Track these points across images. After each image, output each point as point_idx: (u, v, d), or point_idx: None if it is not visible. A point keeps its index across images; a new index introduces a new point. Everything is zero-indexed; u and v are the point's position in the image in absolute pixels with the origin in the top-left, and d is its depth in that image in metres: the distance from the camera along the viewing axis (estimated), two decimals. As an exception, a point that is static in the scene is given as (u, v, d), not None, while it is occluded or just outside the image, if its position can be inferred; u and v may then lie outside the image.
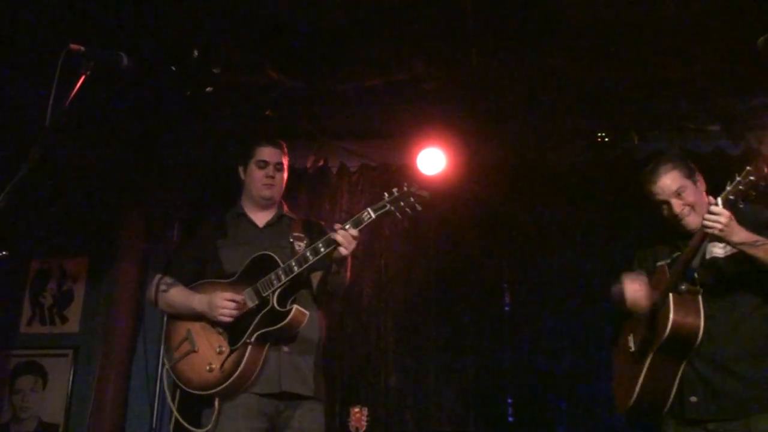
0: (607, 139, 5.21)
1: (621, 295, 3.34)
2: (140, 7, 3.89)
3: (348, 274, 3.44)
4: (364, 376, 5.21)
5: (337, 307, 5.34)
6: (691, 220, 3.25)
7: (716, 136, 5.20)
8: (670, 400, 3.15)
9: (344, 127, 5.42)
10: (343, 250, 3.17)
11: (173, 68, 4.33)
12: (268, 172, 3.59)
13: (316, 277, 3.50)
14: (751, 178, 2.82)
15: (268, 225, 3.63)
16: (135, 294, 5.33)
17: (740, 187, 2.86)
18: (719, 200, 2.92)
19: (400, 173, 5.26)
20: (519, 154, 5.49)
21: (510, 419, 5.08)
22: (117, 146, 5.36)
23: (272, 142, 3.68)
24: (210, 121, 5.15)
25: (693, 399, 3.10)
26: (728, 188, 2.91)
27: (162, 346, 3.48)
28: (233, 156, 3.93)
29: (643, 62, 4.44)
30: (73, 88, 2.47)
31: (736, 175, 2.88)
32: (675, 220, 3.30)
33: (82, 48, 2.53)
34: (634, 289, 3.29)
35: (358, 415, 3.97)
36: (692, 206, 3.26)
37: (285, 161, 3.68)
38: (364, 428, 3.95)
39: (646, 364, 3.18)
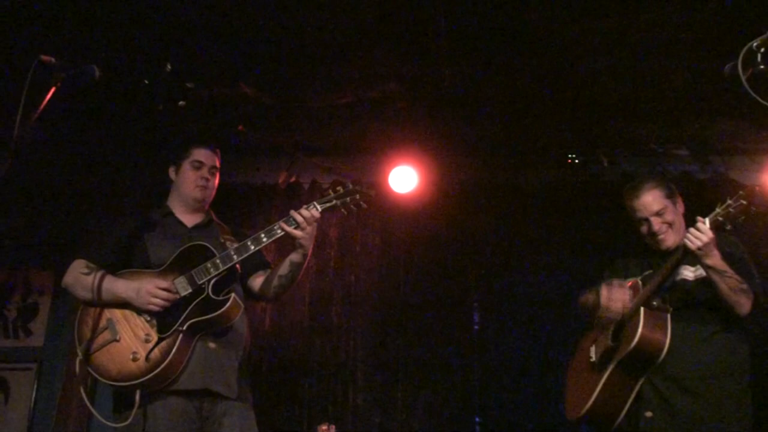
0: (577, 161, 5.27)
1: (588, 302, 3.41)
2: (113, 20, 3.86)
3: (304, 265, 3.32)
4: (332, 394, 5.17)
5: (306, 323, 5.33)
6: (668, 238, 3.34)
7: (684, 159, 5.29)
8: (623, 413, 3.18)
9: (317, 143, 5.42)
10: (298, 232, 3.12)
11: (146, 81, 4.29)
12: (203, 174, 3.47)
13: (256, 279, 3.46)
14: (743, 202, 2.86)
15: (197, 227, 3.49)
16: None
17: (731, 209, 2.90)
18: (707, 220, 2.97)
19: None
20: (490, 173, 5.54)
21: (478, 438, 5.07)
22: (83, 160, 5.30)
23: (208, 144, 3.55)
24: (179, 135, 5.11)
25: (648, 414, 3.14)
26: (718, 209, 2.96)
27: (75, 337, 3.20)
28: (165, 156, 3.70)
29: (611, 85, 4.50)
30: (43, 100, 2.44)
31: (728, 198, 2.93)
32: (652, 237, 3.37)
33: (53, 59, 2.50)
34: (610, 296, 3.35)
35: (326, 433, 3.95)
36: (670, 225, 3.33)
37: (219, 166, 3.56)
38: (331, 446, 3.93)
39: (606, 375, 3.21)
